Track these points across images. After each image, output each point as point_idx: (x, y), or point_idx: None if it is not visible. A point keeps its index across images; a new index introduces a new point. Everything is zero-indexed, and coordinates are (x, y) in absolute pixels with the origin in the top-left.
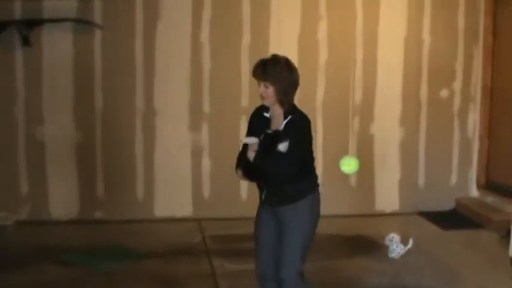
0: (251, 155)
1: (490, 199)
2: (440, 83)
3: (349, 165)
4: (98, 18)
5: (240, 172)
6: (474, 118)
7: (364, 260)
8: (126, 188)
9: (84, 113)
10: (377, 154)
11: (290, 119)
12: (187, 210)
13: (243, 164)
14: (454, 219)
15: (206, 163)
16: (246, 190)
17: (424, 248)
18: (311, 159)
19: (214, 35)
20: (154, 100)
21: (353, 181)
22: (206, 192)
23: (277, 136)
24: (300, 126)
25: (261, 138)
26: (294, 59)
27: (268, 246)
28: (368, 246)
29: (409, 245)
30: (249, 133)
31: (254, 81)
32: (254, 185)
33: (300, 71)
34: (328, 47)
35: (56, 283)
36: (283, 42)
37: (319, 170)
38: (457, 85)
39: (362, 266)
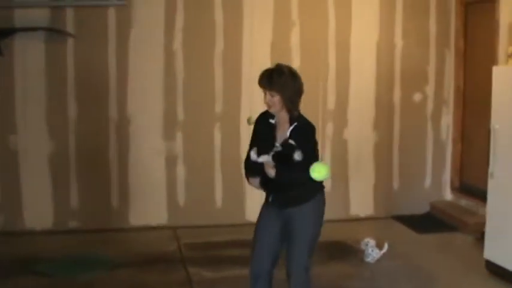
0: (271, 172)
1: (464, 202)
2: (413, 86)
3: (319, 172)
4: (70, 27)
5: (256, 182)
6: (447, 121)
7: (340, 265)
8: (101, 197)
9: (58, 122)
10: (351, 159)
11: (295, 126)
12: (163, 218)
13: (261, 177)
14: (428, 222)
15: (181, 171)
16: (221, 197)
17: (399, 252)
18: None
19: (187, 42)
20: (128, 108)
21: (327, 186)
22: (181, 200)
23: (289, 147)
24: (306, 133)
25: (272, 154)
26: (267, 66)
27: (268, 246)
28: (343, 251)
29: (385, 249)
30: (254, 138)
31: (228, 88)
32: (229, 192)
33: None
34: (301, 53)
35: None
36: (256, 49)
37: None
38: (430, 89)
39: (338, 271)
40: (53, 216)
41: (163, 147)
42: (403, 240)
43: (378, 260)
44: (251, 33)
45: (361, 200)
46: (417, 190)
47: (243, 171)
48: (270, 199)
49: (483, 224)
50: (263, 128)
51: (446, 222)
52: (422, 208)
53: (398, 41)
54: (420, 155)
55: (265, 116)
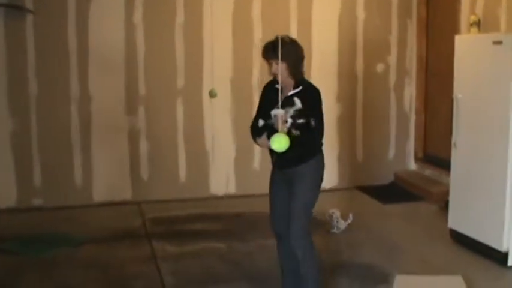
0: (282, 127)
1: (428, 172)
2: (375, 57)
3: (279, 142)
4: (29, 2)
5: (264, 139)
6: (410, 92)
7: None
8: (64, 174)
9: (19, 100)
10: None
11: (301, 90)
12: (127, 194)
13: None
14: (393, 192)
15: (144, 145)
16: (185, 171)
17: (364, 222)
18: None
19: (148, 16)
20: (89, 83)
21: None
22: (145, 174)
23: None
24: (312, 96)
25: (291, 123)
26: (229, 37)
27: (280, 210)
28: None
29: (349, 220)
30: (262, 104)
31: (189, 61)
32: (193, 166)
33: (234, 49)
34: (262, 25)
35: None
36: (217, 21)
37: (256, 150)
38: (392, 59)
39: None
40: (17, 194)
41: (125, 122)
42: (368, 211)
43: (343, 231)
44: (212, 5)
45: (325, 172)
46: (381, 161)
47: (206, 144)
48: (273, 160)
49: (447, 193)
50: (270, 94)
51: (411, 192)
52: (386, 178)
53: (360, 12)
54: (384, 126)
55: (272, 84)
